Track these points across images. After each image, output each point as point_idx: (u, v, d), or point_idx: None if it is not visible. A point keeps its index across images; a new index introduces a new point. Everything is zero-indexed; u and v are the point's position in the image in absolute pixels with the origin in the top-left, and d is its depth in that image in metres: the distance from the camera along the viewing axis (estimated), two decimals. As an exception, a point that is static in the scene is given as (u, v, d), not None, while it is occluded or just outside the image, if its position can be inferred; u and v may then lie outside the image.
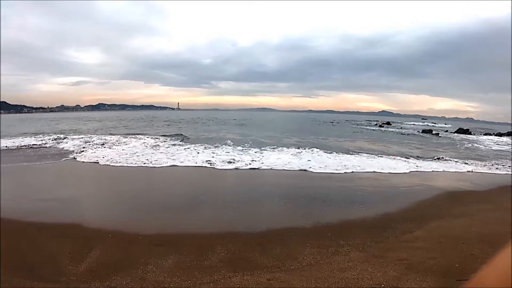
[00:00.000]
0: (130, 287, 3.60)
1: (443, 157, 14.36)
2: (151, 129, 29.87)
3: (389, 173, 10.63)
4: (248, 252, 4.49)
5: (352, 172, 10.57)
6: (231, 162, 11.44)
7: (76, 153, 13.75)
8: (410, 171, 11.05)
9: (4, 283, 3.65)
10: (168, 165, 11.08)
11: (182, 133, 24.16)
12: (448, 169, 11.59)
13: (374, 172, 10.66)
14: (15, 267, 4.00)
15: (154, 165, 10.93)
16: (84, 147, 15.39)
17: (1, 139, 18.15)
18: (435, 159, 13.81)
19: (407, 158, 13.83)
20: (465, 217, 6.09)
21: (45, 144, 17.18)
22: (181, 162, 11.49)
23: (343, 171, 10.55)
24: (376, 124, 55.87)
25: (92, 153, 13.59)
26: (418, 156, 14.56)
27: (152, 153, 13.34)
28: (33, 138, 19.71)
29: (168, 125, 37.39)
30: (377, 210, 6.59)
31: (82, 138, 19.42)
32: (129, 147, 15.40)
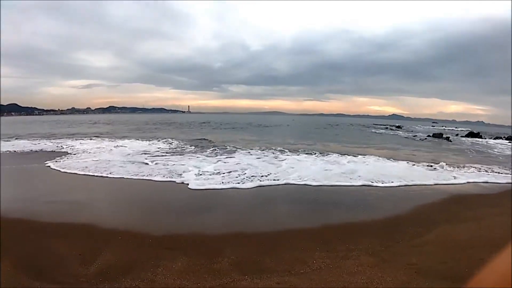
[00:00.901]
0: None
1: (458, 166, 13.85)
2: (180, 133, 30.01)
3: (413, 185, 9.51)
4: (257, 255, 4.51)
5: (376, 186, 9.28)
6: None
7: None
8: (436, 184, 9.80)
9: (11, 284, 3.70)
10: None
11: (208, 139, 23.37)
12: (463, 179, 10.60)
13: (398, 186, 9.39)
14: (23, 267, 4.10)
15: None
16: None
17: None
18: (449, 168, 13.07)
19: (430, 166, 12.75)
20: (473, 221, 6.02)
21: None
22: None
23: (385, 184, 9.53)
24: (387, 128, 55.45)
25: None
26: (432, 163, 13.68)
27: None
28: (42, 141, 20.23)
29: (190, 128, 38.14)
30: (387, 213, 6.56)
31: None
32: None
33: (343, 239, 5.13)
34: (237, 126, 46.97)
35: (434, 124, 69.27)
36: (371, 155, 15.33)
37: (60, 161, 12.52)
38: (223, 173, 10.19)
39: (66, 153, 14.98)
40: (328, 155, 14.55)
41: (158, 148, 17.38)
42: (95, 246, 4.73)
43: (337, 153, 15.45)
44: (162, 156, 14.06)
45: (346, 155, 14.76)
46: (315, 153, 15.24)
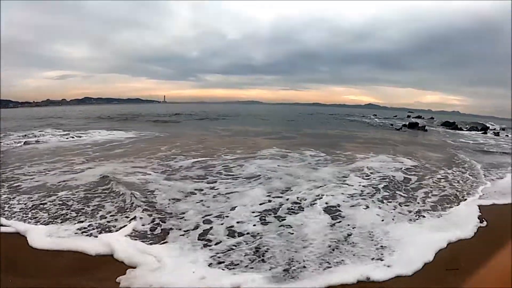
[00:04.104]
0: None
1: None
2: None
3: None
4: None
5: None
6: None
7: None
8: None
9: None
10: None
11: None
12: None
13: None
14: None
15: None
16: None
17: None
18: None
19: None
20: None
21: None
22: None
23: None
24: (364, 116, 55.09)
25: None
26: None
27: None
28: None
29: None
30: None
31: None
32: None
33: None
34: (211, 116, 44.70)
35: (409, 114, 69.85)
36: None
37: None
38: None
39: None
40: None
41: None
42: None
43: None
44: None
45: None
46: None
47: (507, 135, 29.92)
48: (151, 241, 4.98)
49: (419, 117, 56.65)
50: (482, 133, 31.06)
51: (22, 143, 15.38)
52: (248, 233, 5.22)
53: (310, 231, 5.26)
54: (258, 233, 5.22)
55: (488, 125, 40.31)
